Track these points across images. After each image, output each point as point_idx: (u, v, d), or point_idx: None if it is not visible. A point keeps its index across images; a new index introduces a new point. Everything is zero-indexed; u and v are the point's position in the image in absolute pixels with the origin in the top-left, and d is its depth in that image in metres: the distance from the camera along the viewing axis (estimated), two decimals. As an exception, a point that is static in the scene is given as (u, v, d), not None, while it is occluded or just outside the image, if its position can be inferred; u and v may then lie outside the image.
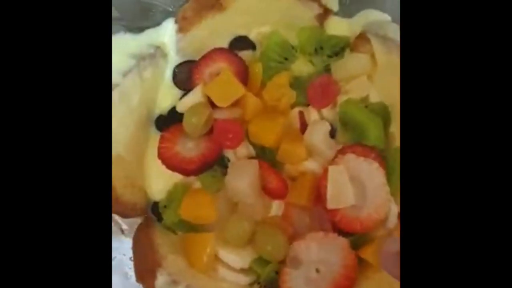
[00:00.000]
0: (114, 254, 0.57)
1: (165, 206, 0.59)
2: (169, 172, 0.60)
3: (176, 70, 0.62)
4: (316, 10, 0.60)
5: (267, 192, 0.58)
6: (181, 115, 0.60)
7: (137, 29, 0.58)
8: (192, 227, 0.58)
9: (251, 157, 0.60)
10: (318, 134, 0.57)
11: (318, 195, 0.56)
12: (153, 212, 0.61)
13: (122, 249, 0.58)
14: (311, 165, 0.58)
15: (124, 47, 0.57)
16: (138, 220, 0.61)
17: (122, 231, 0.60)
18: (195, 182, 0.60)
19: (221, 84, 0.58)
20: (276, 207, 0.59)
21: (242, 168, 0.57)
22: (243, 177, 0.56)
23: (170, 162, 0.58)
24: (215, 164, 0.60)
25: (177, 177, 0.60)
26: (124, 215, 0.59)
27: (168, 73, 0.62)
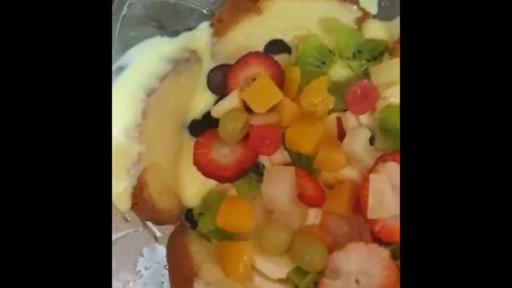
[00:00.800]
0: (148, 263, 0.56)
1: (200, 214, 0.58)
2: (203, 178, 0.59)
3: (211, 74, 0.61)
4: (355, 13, 0.58)
5: (304, 200, 0.57)
6: (216, 120, 0.58)
7: (173, 32, 0.57)
8: (227, 235, 0.57)
9: (286, 164, 0.59)
10: (358, 141, 0.55)
11: (357, 204, 0.55)
12: (187, 218, 0.60)
13: (156, 257, 0.57)
14: (350, 173, 0.56)
15: (160, 51, 0.56)
16: (171, 227, 0.60)
17: (156, 239, 0.59)
18: (230, 189, 0.59)
19: (258, 89, 0.56)
20: (313, 216, 0.57)
21: (278, 175, 0.56)
22: (279, 185, 0.55)
23: (206, 168, 0.57)
24: (250, 171, 0.58)
25: (211, 183, 0.59)
26: (158, 222, 0.58)
27: (202, 77, 0.61)
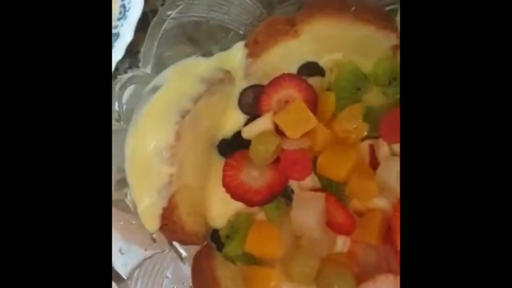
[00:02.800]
0: (173, 284, 0.56)
1: (227, 236, 0.58)
2: (230, 199, 0.58)
3: (243, 94, 0.60)
4: (393, 41, 0.57)
5: (333, 227, 0.56)
6: (245, 141, 0.58)
7: (208, 52, 0.56)
8: (254, 260, 0.56)
9: (316, 189, 0.58)
10: (391, 171, 0.54)
11: (387, 234, 0.54)
12: (213, 239, 0.59)
13: (181, 278, 0.57)
14: (381, 203, 0.56)
15: (195, 71, 0.55)
16: (196, 247, 0.59)
17: (182, 259, 0.58)
18: (258, 213, 0.58)
19: (293, 114, 0.55)
20: (341, 243, 0.57)
21: (309, 201, 0.55)
22: (309, 211, 0.54)
23: (235, 191, 0.57)
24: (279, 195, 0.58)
25: (238, 205, 0.58)
26: (185, 243, 0.58)
27: (234, 97, 0.60)
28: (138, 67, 0.73)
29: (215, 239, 0.59)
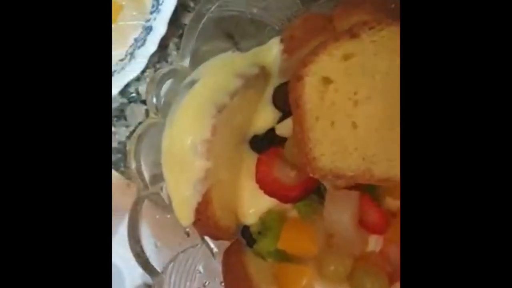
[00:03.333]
0: (206, 279, 0.56)
1: (259, 233, 0.57)
2: (261, 195, 0.58)
3: (277, 90, 0.59)
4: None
5: (365, 226, 0.56)
6: (279, 137, 0.57)
7: (244, 47, 0.56)
8: (286, 257, 0.56)
9: (349, 187, 0.58)
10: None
11: (422, 234, 0.54)
12: (243, 235, 0.59)
13: (212, 273, 0.57)
14: (415, 202, 0.55)
15: (232, 66, 0.55)
16: (226, 242, 0.59)
17: (213, 254, 0.58)
18: (291, 210, 0.58)
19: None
20: (374, 243, 0.56)
21: (342, 199, 0.55)
22: (343, 209, 0.54)
23: (270, 187, 0.56)
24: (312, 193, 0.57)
25: (270, 202, 0.58)
26: (216, 238, 0.58)
27: (268, 93, 0.59)
28: (167, 61, 0.73)
29: (246, 235, 0.59)
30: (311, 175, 0.50)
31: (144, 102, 0.71)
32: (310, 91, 0.50)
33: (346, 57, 0.50)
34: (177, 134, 0.52)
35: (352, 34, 0.50)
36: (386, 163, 0.50)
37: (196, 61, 0.54)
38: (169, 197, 0.54)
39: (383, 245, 0.56)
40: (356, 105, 0.50)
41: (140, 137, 0.54)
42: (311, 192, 0.57)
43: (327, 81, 0.50)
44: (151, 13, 0.67)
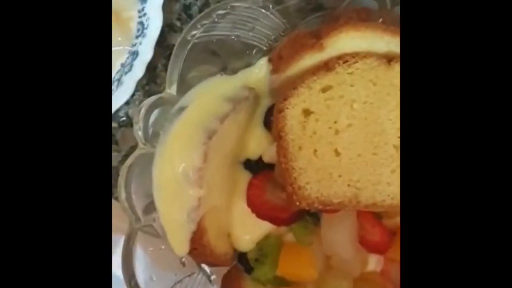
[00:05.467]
0: (203, 308, 0.54)
1: (256, 260, 0.56)
2: (256, 221, 0.56)
3: (268, 113, 0.58)
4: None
5: (366, 245, 0.55)
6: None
7: (232, 70, 0.55)
8: (286, 283, 0.55)
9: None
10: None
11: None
12: (241, 262, 0.58)
13: (209, 300, 0.56)
14: (415, 219, 0.54)
15: (221, 90, 0.54)
16: (224, 269, 0.58)
17: (210, 281, 0.57)
18: (287, 234, 0.57)
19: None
20: (374, 262, 0.55)
21: (339, 219, 0.54)
22: (340, 229, 0.53)
23: (261, 209, 0.55)
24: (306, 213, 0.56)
25: (265, 227, 0.57)
26: (213, 265, 0.56)
27: (259, 115, 0.58)
28: (155, 83, 0.72)
29: (243, 262, 0.58)
30: (297, 204, 0.50)
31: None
32: (291, 122, 0.50)
33: (324, 89, 0.51)
34: (168, 163, 0.51)
35: (328, 68, 0.51)
36: (372, 187, 0.49)
37: (184, 87, 0.53)
38: (162, 228, 0.52)
39: (384, 264, 0.55)
40: (337, 133, 0.50)
41: (130, 168, 0.53)
42: (304, 213, 0.56)
43: (307, 112, 0.51)
44: (137, 37, 0.66)
